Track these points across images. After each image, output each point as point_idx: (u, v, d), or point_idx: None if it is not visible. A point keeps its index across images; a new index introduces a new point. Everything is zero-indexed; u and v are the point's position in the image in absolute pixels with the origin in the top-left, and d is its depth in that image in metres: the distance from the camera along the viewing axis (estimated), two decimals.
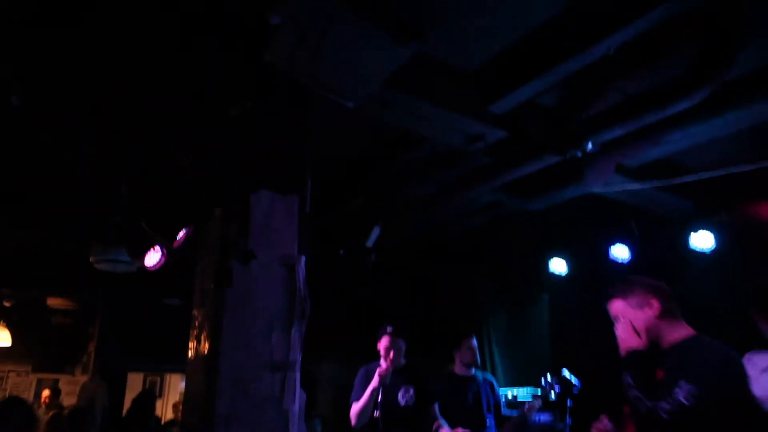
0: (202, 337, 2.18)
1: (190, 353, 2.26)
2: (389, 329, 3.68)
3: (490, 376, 4.52)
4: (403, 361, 3.71)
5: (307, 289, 2.30)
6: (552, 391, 3.81)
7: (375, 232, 4.59)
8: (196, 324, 2.27)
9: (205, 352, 2.12)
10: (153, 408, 5.26)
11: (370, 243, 4.64)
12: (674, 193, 4.54)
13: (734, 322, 4.58)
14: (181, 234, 3.73)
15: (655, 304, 2.21)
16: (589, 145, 3.16)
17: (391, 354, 3.56)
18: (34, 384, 7.63)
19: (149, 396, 5.39)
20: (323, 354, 6.58)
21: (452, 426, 3.92)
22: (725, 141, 3.79)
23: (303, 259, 2.38)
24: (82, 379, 7.07)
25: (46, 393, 6.58)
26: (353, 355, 5.92)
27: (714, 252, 4.64)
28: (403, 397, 3.68)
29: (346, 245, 4.86)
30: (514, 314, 5.85)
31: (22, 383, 7.61)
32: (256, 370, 2.06)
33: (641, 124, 3.01)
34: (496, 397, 4.33)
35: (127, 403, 5.93)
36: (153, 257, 4.06)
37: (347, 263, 5.02)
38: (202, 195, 2.61)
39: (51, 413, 6.30)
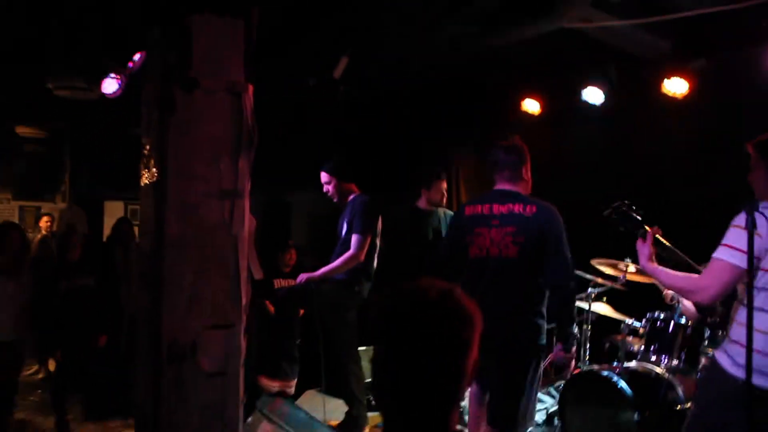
0: (150, 164, 2.20)
1: (141, 180, 2.29)
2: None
3: (451, 212, 4.70)
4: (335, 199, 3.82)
5: (254, 117, 2.27)
6: None
7: (342, 63, 4.43)
8: (145, 152, 2.27)
9: (153, 179, 2.15)
10: (131, 234, 5.47)
11: (337, 74, 4.50)
12: (654, 32, 4.35)
13: (699, 168, 4.74)
14: (134, 60, 3.58)
15: None
16: None
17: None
18: (16, 211, 7.85)
19: (125, 222, 5.58)
20: (296, 184, 6.71)
21: (412, 258, 4.16)
22: None
23: (250, 87, 2.32)
24: (63, 206, 7.26)
25: (45, 219, 6.78)
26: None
27: (686, 98, 4.60)
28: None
29: (317, 75, 4.70)
30: (483, 153, 5.92)
31: (5, 210, 7.81)
32: (203, 197, 2.11)
33: None
34: None
35: (107, 231, 6.18)
36: (110, 84, 3.95)
37: (317, 94, 4.91)
38: (144, 17, 2.44)
39: (40, 236, 6.60)
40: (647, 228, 2.40)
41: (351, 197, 3.79)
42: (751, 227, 1.84)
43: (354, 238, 3.59)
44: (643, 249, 2.45)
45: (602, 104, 5.03)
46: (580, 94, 5.04)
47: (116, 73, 3.76)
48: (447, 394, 1.13)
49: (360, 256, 3.61)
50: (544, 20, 3.46)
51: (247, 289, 2.19)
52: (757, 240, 2.10)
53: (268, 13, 2.76)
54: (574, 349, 2.80)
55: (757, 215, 2.14)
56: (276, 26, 3.99)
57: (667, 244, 2.45)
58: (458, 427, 3.24)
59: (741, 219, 2.11)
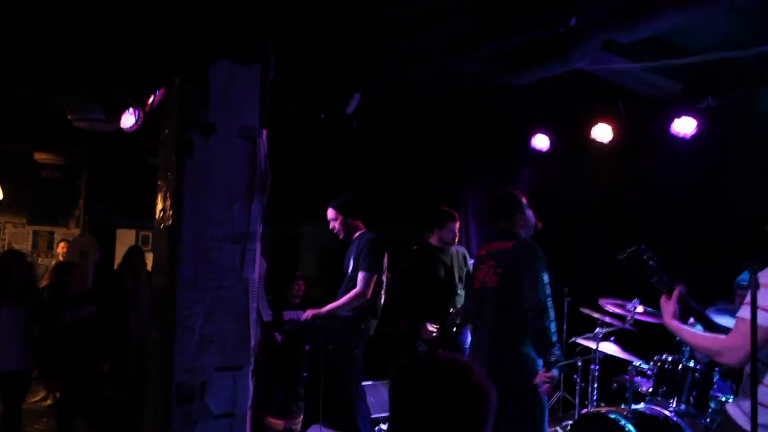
0: (166, 206, 2.26)
1: (156, 221, 2.35)
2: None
3: (462, 248, 4.73)
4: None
5: (267, 162, 2.33)
6: None
7: (355, 99, 4.51)
8: (161, 194, 2.33)
9: (169, 221, 2.21)
10: (143, 261, 5.54)
11: (350, 110, 4.58)
12: (663, 74, 4.42)
13: (707, 208, 4.74)
14: (153, 98, 3.69)
15: None
16: (573, 20, 3.01)
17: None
18: (30, 235, 7.96)
19: (136, 250, 5.65)
20: (305, 216, 6.77)
21: (423, 295, 4.19)
22: (722, 21, 3.61)
23: (264, 132, 2.39)
24: (77, 232, 7.36)
25: (62, 245, 6.86)
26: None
27: (694, 138, 4.64)
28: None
29: (326, 108, 4.79)
30: (493, 187, 5.96)
31: (18, 234, 7.93)
32: (217, 240, 2.16)
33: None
34: (467, 267, 4.57)
35: (119, 258, 6.24)
36: (128, 119, 4.06)
37: (328, 126, 4.99)
38: (163, 63, 2.53)
39: (55, 262, 6.68)
40: (662, 277, 2.40)
41: (357, 234, 3.84)
42: (753, 288, 1.85)
43: (360, 276, 3.63)
44: (668, 306, 2.43)
45: (611, 142, 5.09)
46: (589, 132, 5.11)
47: (135, 108, 3.87)
48: None
49: (367, 293, 3.64)
50: (556, 63, 3.53)
51: (257, 332, 2.22)
52: None
53: (283, 48, 2.84)
54: (555, 372, 2.90)
55: None
56: (290, 58, 4.09)
57: (694, 304, 2.44)
58: None
59: (764, 276, 2.10)
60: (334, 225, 3.89)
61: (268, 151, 2.43)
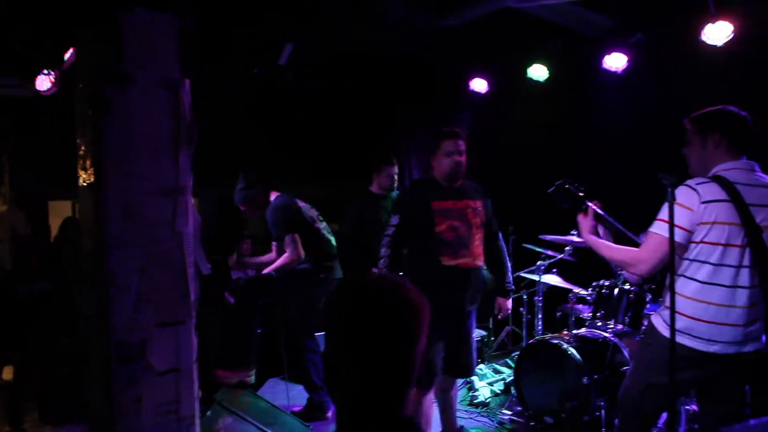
0: (87, 164, 2.16)
1: (79, 181, 2.25)
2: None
3: None
4: None
5: (191, 112, 2.25)
6: None
7: (287, 50, 4.39)
8: (80, 152, 2.22)
9: (91, 179, 2.11)
10: (79, 232, 5.32)
11: (282, 61, 4.46)
12: (594, 9, 4.47)
13: (640, 141, 4.91)
14: (67, 56, 3.47)
15: None
16: None
17: None
18: None
19: (71, 221, 5.42)
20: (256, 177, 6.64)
21: (367, 242, 4.22)
22: None
23: (187, 82, 2.29)
24: (4, 208, 6.97)
25: None
26: (287, 176, 6.05)
27: (626, 73, 4.75)
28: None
29: (260, 64, 4.65)
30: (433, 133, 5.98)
31: None
32: (144, 195, 2.09)
33: None
34: None
35: (55, 232, 5.98)
36: (44, 82, 3.82)
37: (263, 83, 4.86)
38: (72, 15, 2.37)
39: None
40: (589, 204, 2.52)
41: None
42: (671, 199, 1.95)
43: (285, 243, 3.76)
44: (584, 222, 2.58)
45: (547, 81, 5.15)
46: (525, 72, 5.15)
47: (49, 69, 3.64)
48: (397, 381, 1.17)
49: (297, 255, 3.74)
50: (482, 2, 3.51)
51: (196, 286, 2.19)
52: (688, 214, 2.23)
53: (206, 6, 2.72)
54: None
55: (688, 190, 2.27)
56: (216, 18, 3.92)
57: (607, 217, 2.57)
58: None
59: (678, 195, 2.22)
60: (251, 214, 3.96)
61: (193, 103, 2.34)
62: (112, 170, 2.08)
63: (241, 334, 3.69)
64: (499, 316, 3.52)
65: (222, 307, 3.63)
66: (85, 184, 2.17)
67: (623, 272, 3.76)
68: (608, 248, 2.47)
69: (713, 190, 2.23)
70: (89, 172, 2.13)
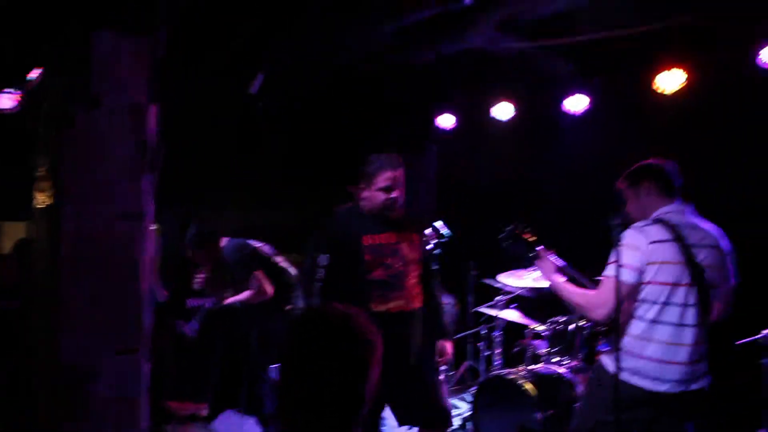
0: (45, 186, 2.13)
1: (35, 201, 2.22)
2: None
3: None
4: None
5: (156, 139, 2.25)
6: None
7: (259, 79, 4.43)
8: (39, 173, 2.19)
9: (49, 200, 2.09)
10: (30, 253, 5.17)
11: (254, 90, 4.50)
12: (556, 54, 4.67)
13: (601, 182, 5.07)
14: (33, 75, 3.43)
15: None
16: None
17: None
18: None
19: (26, 243, 5.27)
20: (209, 203, 6.60)
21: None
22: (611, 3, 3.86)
23: (153, 108, 2.30)
24: None
25: None
26: (253, 201, 6.03)
27: (586, 116, 4.95)
28: None
29: (231, 92, 4.69)
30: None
31: None
32: (101, 218, 2.07)
33: None
34: None
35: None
36: (6, 100, 3.77)
37: (235, 109, 4.89)
38: (42, 34, 2.37)
39: None
40: (539, 249, 2.58)
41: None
42: (617, 239, 2.04)
43: (250, 282, 3.77)
44: (545, 263, 2.63)
45: (510, 120, 5.32)
46: (489, 111, 5.31)
47: (13, 88, 3.61)
48: (347, 412, 1.19)
49: (262, 291, 3.76)
50: (449, 42, 3.64)
51: (150, 314, 2.16)
52: (638, 255, 2.32)
53: (178, 30, 2.74)
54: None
55: (635, 232, 2.37)
56: (188, 42, 3.95)
57: (563, 265, 2.63)
58: None
59: (627, 237, 2.33)
60: (204, 262, 3.95)
61: (160, 129, 2.35)
62: (70, 193, 2.06)
63: (198, 365, 3.63)
64: (440, 360, 3.04)
65: (177, 337, 3.57)
66: (43, 205, 2.14)
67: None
68: (568, 292, 2.52)
69: (658, 231, 2.34)
70: (48, 194, 2.10)
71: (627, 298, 2.32)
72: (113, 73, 2.23)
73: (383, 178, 2.72)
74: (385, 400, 2.79)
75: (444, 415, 2.87)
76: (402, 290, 2.77)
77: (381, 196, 2.74)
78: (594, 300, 2.40)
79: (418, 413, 2.81)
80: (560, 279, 2.56)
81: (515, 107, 5.26)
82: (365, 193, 2.80)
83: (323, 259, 2.71)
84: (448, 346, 3.05)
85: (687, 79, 4.13)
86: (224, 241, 3.96)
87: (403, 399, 2.81)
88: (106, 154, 2.15)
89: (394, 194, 2.75)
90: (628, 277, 2.27)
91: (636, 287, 2.34)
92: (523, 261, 2.64)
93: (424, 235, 2.97)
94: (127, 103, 2.22)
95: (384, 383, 1.28)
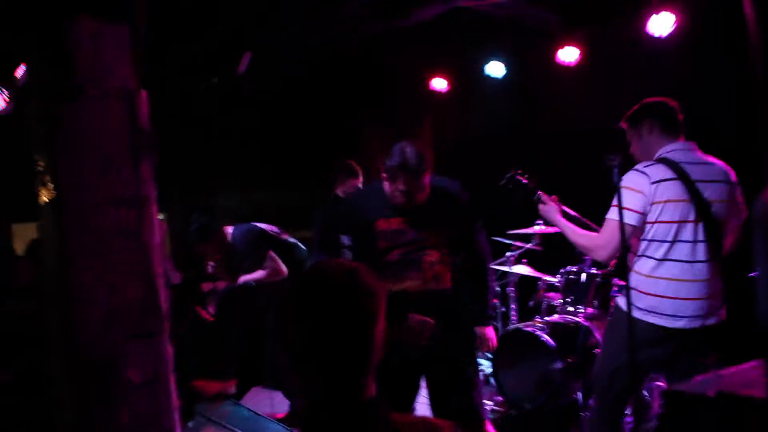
0: (46, 181, 2.12)
1: (40, 199, 2.21)
2: None
3: None
4: None
5: (150, 122, 2.23)
6: None
7: (245, 59, 4.38)
8: (37, 168, 2.18)
9: (49, 195, 2.08)
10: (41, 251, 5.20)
11: (241, 70, 4.45)
12: (542, 6, 4.59)
13: (595, 131, 5.03)
14: (19, 74, 3.40)
15: None
16: None
17: None
18: None
19: (37, 243, 5.30)
20: (219, 187, 6.61)
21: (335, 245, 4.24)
22: None
23: (143, 93, 2.27)
24: None
25: None
26: (249, 183, 6.02)
27: (578, 66, 4.89)
28: None
29: (218, 74, 4.64)
30: (396, 135, 6.03)
31: None
32: (103, 206, 2.06)
33: None
34: None
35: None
36: None
37: (224, 92, 4.85)
38: (14, 25, 2.33)
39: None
40: (540, 193, 2.58)
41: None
42: (616, 179, 2.04)
43: (267, 265, 3.79)
44: (549, 207, 2.65)
45: (505, 78, 5.26)
46: (483, 70, 5.25)
47: (2, 88, 3.57)
48: (358, 365, 1.21)
49: (277, 270, 3.79)
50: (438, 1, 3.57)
51: (166, 296, 2.17)
52: (640, 197, 2.33)
53: (159, 15, 2.70)
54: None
55: (636, 174, 2.37)
56: (171, 27, 3.89)
57: (568, 211, 2.64)
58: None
59: (628, 180, 2.32)
60: (210, 254, 3.98)
61: (151, 113, 2.32)
62: (69, 184, 2.05)
63: (219, 345, 3.68)
64: (482, 350, 2.89)
65: (196, 318, 3.61)
66: (46, 201, 2.13)
67: (587, 257, 3.86)
68: (573, 232, 2.55)
69: (661, 171, 2.33)
70: (49, 188, 2.09)
71: (631, 239, 2.34)
72: (96, 62, 2.19)
73: (402, 181, 2.57)
74: (417, 374, 2.74)
75: (474, 418, 2.68)
76: (419, 271, 2.63)
77: (399, 197, 2.61)
78: (597, 241, 2.43)
79: (448, 410, 2.63)
80: (564, 221, 2.57)
81: (507, 64, 5.20)
82: (385, 183, 2.68)
83: (346, 240, 2.64)
84: (488, 333, 2.84)
85: (676, 21, 4.10)
86: (231, 229, 3.96)
87: (435, 390, 2.72)
88: (99, 142, 2.13)
89: (412, 200, 2.60)
90: (630, 219, 2.27)
91: (640, 228, 2.35)
92: (526, 205, 2.64)
93: (459, 211, 2.79)
94: (115, 89, 2.19)
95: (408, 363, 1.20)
